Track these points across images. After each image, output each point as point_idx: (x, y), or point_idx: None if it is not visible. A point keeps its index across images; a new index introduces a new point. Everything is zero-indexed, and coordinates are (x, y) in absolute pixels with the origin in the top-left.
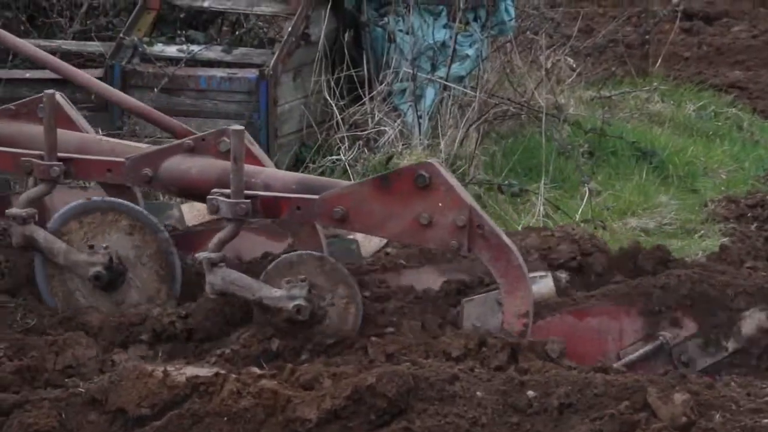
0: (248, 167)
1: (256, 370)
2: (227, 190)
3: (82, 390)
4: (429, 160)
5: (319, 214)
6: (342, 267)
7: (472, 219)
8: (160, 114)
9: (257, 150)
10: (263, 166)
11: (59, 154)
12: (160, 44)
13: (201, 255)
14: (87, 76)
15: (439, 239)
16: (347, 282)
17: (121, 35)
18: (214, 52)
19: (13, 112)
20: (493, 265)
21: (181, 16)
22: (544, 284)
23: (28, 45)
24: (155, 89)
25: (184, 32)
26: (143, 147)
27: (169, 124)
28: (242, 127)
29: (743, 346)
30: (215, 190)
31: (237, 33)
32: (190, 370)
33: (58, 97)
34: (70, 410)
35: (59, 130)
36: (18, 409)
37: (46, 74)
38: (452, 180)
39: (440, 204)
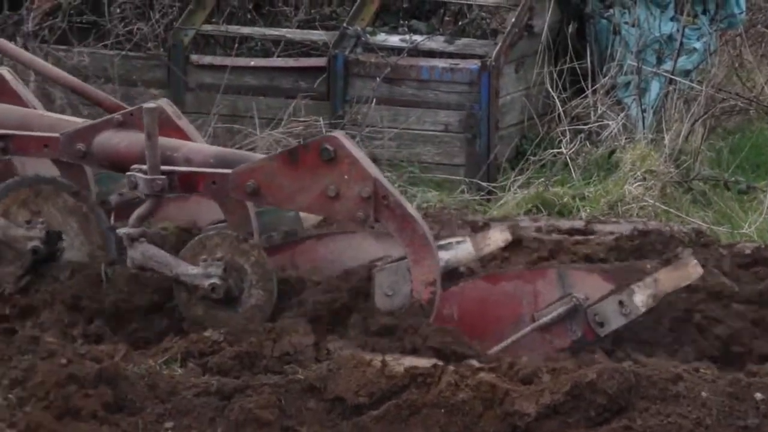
0: (171, 141)
1: (475, 363)
2: (146, 166)
3: (301, 377)
4: (333, 133)
5: (232, 188)
6: (257, 244)
7: (377, 190)
8: (90, 88)
9: (184, 123)
10: (190, 139)
11: None
12: (382, 34)
13: (121, 230)
14: (16, 49)
15: (346, 211)
16: (262, 261)
17: (344, 25)
18: (437, 43)
19: None
20: (399, 235)
21: (404, 5)
22: (462, 249)
23: None
24: (377, 79)
25: (406, 22)
26: (80, 122)
27: (99, 98)
28: (155, 105)
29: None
30: (135, 166)
31: (460, 23)
32: (408, 361)
33: (5, 72)
34: (289, 396)
35: (3, 106)
36: (239, 393)
37: (270, 62)
38: (357, 152)
39: (346, 176)
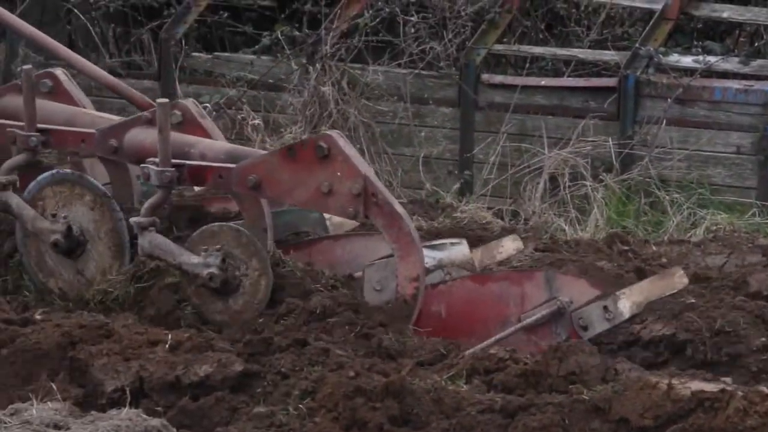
0: (189, 138)
1: (764, 389)
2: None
3: (586, 397)
4: (328, 132)
5: (236, 182)
6: (256, 240)
7: (367, 187)
8: (124, 85)
9: (207, 123)
10: (211, 137)
11: (39, 126)
12: (675, 54)
13: (133, 219)
14: (55, 44)
15: (339, 206)
16: (260, 255)
17: (636, 45)
18: (731, 64)
19: (20, 87)
20: (387, 232)
21: (699, 26)
22: (457, 251)
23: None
24: (668, 100)
25: (700, 43)
26: (116, 119)
27: (132, 96)
28: (167, 100)
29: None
30: (150, 159)
31: (755, 44)
32: (695, 385)
33: (60, 73)
34: (573, 416)
35: (54, 104)
36: (523, 412)
37: (560, 82)
38: (350, 151)
39: (338, 173)
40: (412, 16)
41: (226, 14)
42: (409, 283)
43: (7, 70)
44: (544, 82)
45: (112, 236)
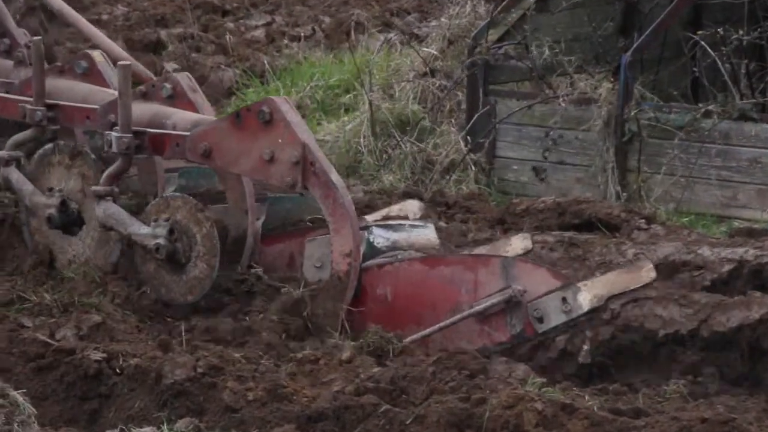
0: (166, 110)
1: None
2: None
3: None
4: (272, 97)
5: (189, 150)
6: (206, 211)
7: (306, 156)
8: (133, 61)
9: (196, 96)
10: (196, 110)
11: (47, 101)
12: None
13: (92, 188)
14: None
15: (279, 175)
16: (209, 228)
17: None
18: None
19: (60, 68)
20: (323, 203)
21: None
22: (418, 233)
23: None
24: None
25: None
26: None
27: (137, 71)
28: (129, 63)
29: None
30: (116, 126)
31: None
32: None
33: (97, 54)
34: None
35: (71, 82)
36: None
37: None
38: (292, 116)
39: (280, 140)
40: None
41: None
42: (343, 258)
43: (619, 114)
44: None
45: None
